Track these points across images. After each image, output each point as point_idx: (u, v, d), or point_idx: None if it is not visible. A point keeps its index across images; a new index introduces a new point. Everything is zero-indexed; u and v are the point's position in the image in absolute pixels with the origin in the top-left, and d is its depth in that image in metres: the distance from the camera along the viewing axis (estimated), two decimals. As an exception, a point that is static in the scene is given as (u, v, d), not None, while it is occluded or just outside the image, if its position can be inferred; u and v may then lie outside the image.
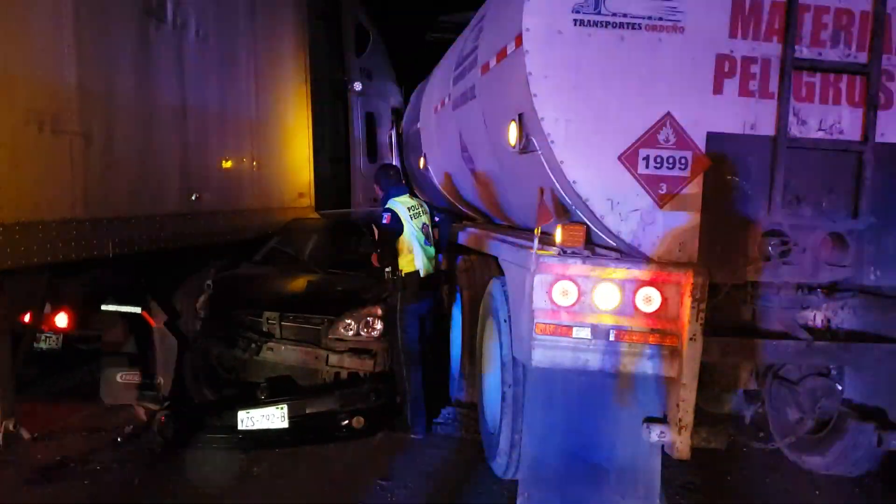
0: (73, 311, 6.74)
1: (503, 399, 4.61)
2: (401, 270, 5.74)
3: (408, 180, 9.54)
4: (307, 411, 5.58)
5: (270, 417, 5.49)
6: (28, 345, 5.98)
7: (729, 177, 3.94)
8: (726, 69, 3.87)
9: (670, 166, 3.88)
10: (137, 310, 6.13)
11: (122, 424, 5.94)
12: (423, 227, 5.82)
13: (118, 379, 6.04)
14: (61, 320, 6.69)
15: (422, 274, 5.71)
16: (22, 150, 4.86)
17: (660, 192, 3.89)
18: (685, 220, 3.91)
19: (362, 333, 5.90)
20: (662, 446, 3.99)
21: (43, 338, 6.77)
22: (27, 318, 5.84)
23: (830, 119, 3.96)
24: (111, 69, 5.67)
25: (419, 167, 8.72)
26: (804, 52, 3.89)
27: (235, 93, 7.60)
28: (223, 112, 7.33)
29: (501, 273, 4.96)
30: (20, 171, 4.85)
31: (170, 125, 6.42)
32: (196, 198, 6.78)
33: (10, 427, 5.36)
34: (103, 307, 6.26)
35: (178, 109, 6.51)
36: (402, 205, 5.80)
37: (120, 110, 5.76)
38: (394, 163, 10.94)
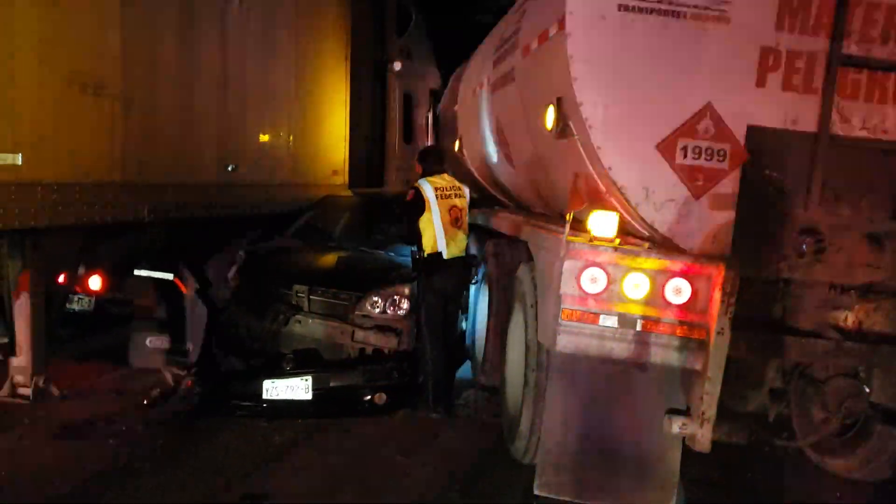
0: (106, 275, 6.87)
1: (525, 383, 4.62)
2: (423, 250, 5.77)
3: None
4: (331, 384, 5.65)
5: (295, 388, 5.56)
6: (61, 305, 6.12)
7: (767, 171, 3.89)
8: (770, 62, 3.81)
9: (708, 158, 3.83)
10: (170, 276, 6.22)
11: (149, 388, 6.02)
12: (452, 210, 5.81)
13: (147, 343, 6.14)
14: (94, 283, 6.81)
15: (445, 256, 5.72)
16: (63, 112, 4.96)
17: (696, 183, 3.84)
18: (720, 212, 3.86)
19: (389, 311, 5.94)
20: (683, 439, 3.97)
21: (75, 299, 6.91)
22: (61, 278, 5.97)
23: (875, 118, 3.87)
24: (154, 34, 5.74)
25: (454, 150, 8.70)
26: (852, 48, 3.81)
27: (275, 66, 7.66)
28: (263, 84, 7.39)
29: (530, 258, 4.96)
30: (61, 131, 4.95)
31: (210, 94, 6.50)
32: (232, 169, 6.86)
33: (41, 383, 5.53)
34: (136, 272, 6.37)
35: (218, 79, 6.58)
36: (430, 185, 5.82)
37: (161, 76, 5.84)
38: (428, 144, 10.94)
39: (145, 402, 5.78)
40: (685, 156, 3.84)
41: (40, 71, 4.73)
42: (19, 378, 5.50)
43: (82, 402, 5.73)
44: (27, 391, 5.49)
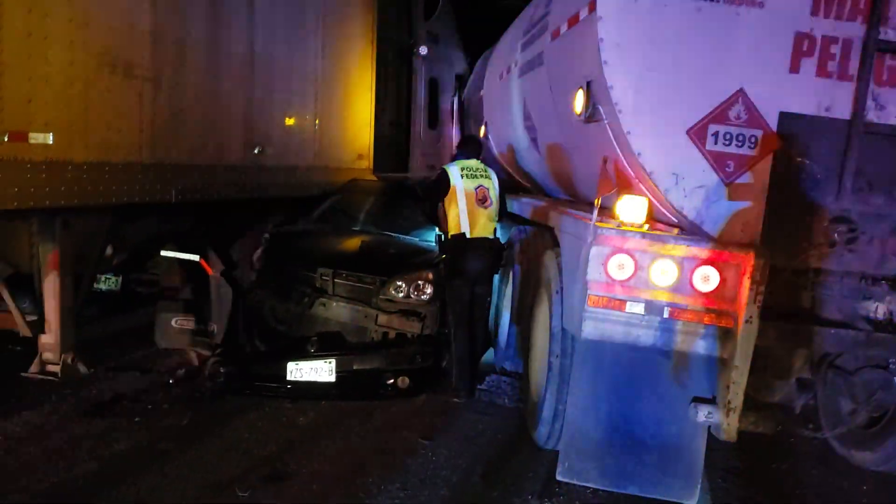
0: (133, 255, 6.94)
1: (549, 369, 4.61)
2: (448, 231, 5.77)
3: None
4: (354, 367, 5.68)
5: (318, 370, 5.59)
6: (89, 284, 6.18)
7: (799, 159, 3.85)
8: (805, 48, 3.76)
9: (739, 144, 3.80)
10: (196, 258, 6.25)
11: (174, 367, 6.10)
12: (479, 189, 5.80)
13: (173, 323, 6.19)
14: (121, 263, 6.89)
15: (469, 235, 5.70)
16: (94, 92, 4.99)
17: (727, 169, 3.82)
18: (750, 200, 3.83)
19: (412, 296, 5.95)
20: (709, 427, 3.95)
21: (103, 279, 6.99)
22: (89, 258, 6.03)
23: (911, 106, 3.81)
24: (183, 16, 5.76)
25: (479, 136, 8.68)
26: (889, 34, 3.74)
27: (302, 49, 7.66)
28: (289, 68, 7.40)
29: (556, 244, 4.94)
30: (91, 112, 4.99)
31: (237, 77, 6.51)
32: (258, 152, 6.89)
33: (69, 361, 5.60)
34: (163, 253, 6.43)
35: (246, 61, 6.59)
36: (456, 166, 5.86)
37: (190, 58, 5.86)
38: (453, 130, 10.92)
39: (171, 381, 5.85)
40: (716, 142, 3.81)
41: (72, 51, 4.75)
42: (48, 355, 5.57)
43: (109, 380, 5.80)
44: (56, 368, 5.56)
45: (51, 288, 5.39)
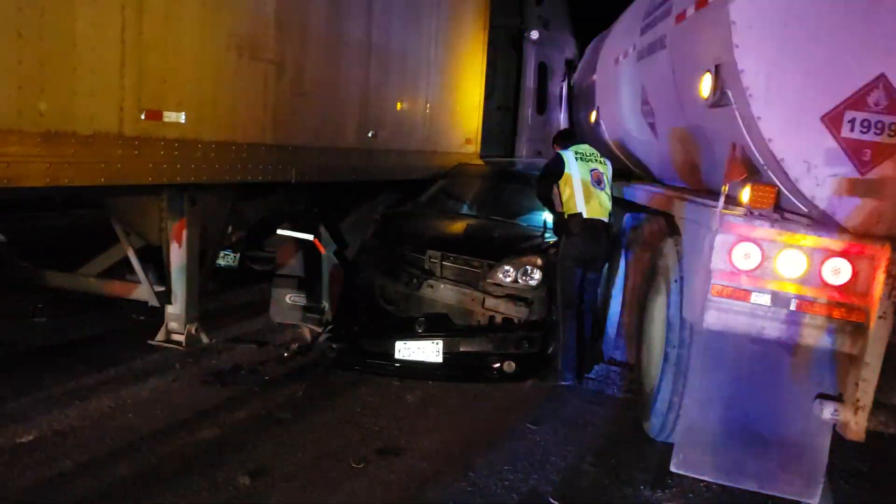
0: (250, 233, 7.19)
1: (665, 360, 4.53)
2: (563, 212, 5.73)
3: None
4: (461, 349, 5.72)
5: (426, 350, 5.66)
6: (212, 259, 6.45)
7: (942, 148, 3.63)
8: (954, 32, 3.53)
9: (878, 132, 3.61)
10: (310, 237, 6.43)
11: (288, 342, 6.32)
12: (594, 172, 5.77)
13: (287, 300, 6.41)
14: (239, 240, 7.15)
15: (585, 215, 5.65)
16: (222, 74, 5.17)
17: (863, 158, 3.63)
18: (887, 190, 3.64)
19: (520, 281, 5.94)
20: (833, 426, 3.80)
21: (222, 255, 7.27)
22: (212, 234, 6.29)
23: None
24: (306, 1, 5.89)
25: (589, 121, 8.56)
26: None
27: (417, 35, 7.73)
28: (403, 52, 7.48)
29: (673, 232, 4.84)
30: (220, 93, 5.18)
31: (355, 61, 6.63)
32: (372, 135, 7.00)
33: (193, 331, 5.87)
34: (278, 231, 6.62)
35: (363, 46, 6.70)
36: (571, 151, 5.87)
37: (311, 42, 6.00)
38: (562, 115, 10.81)
39: (285, 354, 6.07)
40: (852, 129, 3.64)
41: (203, 34, 4.94)
42: (173, 325, 5.85)
43: (228, 351, 6.07)
44: (180, 337, 5.84)
45: (178, 261, 5.64)
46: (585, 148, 5.99)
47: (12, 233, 6.70)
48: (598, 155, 5.99)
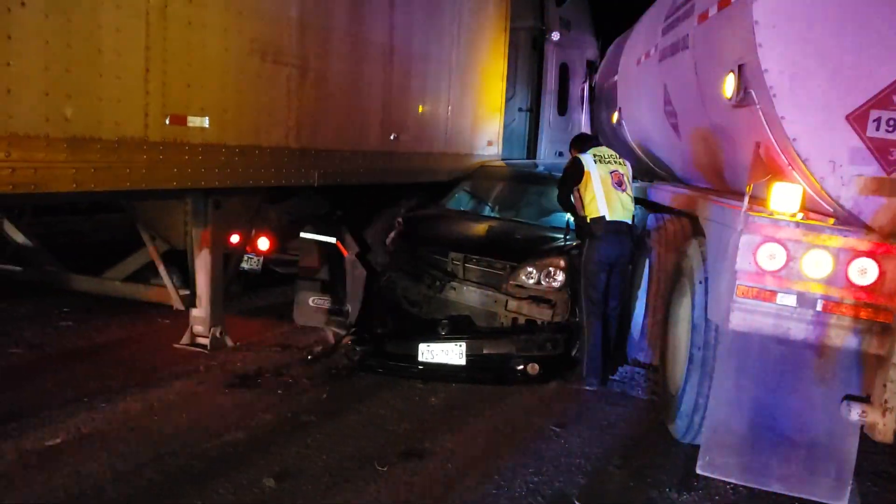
0: (273, 237, 7.24)
1: (690, 361, 4.50)
2: (586, 216, 5.71)
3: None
4: (484, 351, 5.74)
5: (449, 353, 5.68)
6: (237, 263, 6.50)
7: (970, 147, 3.58)
8: (982, 28, 3.48)
9: (905, 131, 3.56)
10: (332, 240, 6.46)
11: (311, 344, 6.36)
12: (614, 174, 5.75)
13: (310, 303, 6.44)
14: (262, 244, 7.22)
15: (608, 218, 5.63)
16: (245, 78, 5.22)
17: (889, 157, 3.60)
18: (915, 190, 3.60)
19: (543, 283, 5.93)
20: (861, 427, 3.75)
21: (245, 258, 7.33)
22: (235, 239, 6.35)
23: None
24: (329, 4, 5.93)
25: (611, 122, 8.54)
26: None
27: (438, 37, 7.75)
28: (425, 55, 7.50)
29: (697, 233, 4.81)
30: (243, 97, 5.22)
31: (377, 64, 6.66)
32: (394, 138, 7.03)
33: (217, 334, 5.92)
34: (302, 234, 6.66)
35: (385, 49, 6.73)
36: (589, 154, 5.84)
37: (334, 46, 6.03)
38: (583, 116, 10.78)
39: (309, 357, 6.09)
40: (878, 128, 3.60)
41: (226, 39, 4.98)
42: (198, 328, 5.91)
43: (252, 353, 6.10)
44: (205, 340, 5.90)
45: (202, 265, 5.70)
46: (604, 150, 5.98)
47: (39, 237, 6.81)
48: (617, 156, 5.97)
